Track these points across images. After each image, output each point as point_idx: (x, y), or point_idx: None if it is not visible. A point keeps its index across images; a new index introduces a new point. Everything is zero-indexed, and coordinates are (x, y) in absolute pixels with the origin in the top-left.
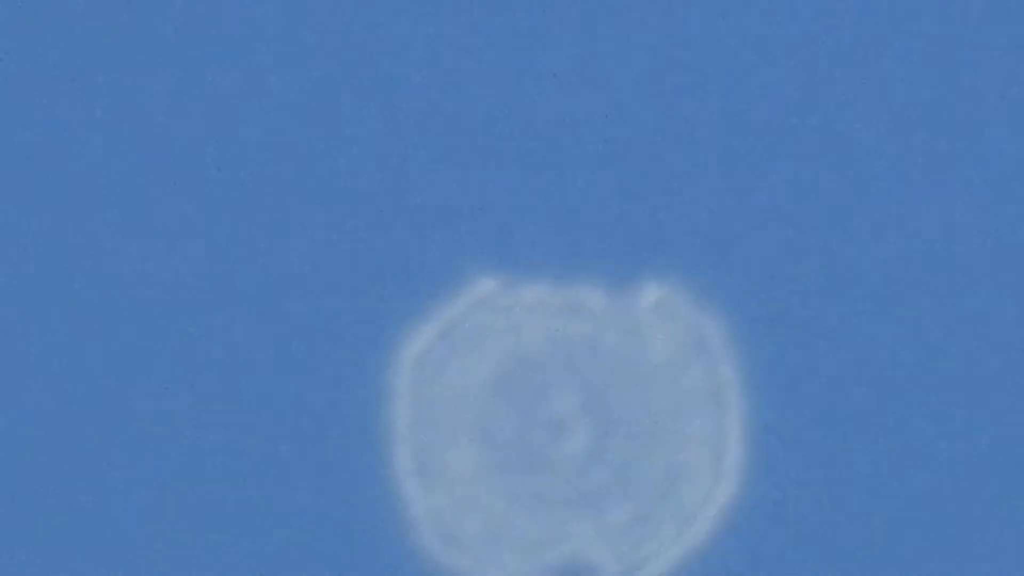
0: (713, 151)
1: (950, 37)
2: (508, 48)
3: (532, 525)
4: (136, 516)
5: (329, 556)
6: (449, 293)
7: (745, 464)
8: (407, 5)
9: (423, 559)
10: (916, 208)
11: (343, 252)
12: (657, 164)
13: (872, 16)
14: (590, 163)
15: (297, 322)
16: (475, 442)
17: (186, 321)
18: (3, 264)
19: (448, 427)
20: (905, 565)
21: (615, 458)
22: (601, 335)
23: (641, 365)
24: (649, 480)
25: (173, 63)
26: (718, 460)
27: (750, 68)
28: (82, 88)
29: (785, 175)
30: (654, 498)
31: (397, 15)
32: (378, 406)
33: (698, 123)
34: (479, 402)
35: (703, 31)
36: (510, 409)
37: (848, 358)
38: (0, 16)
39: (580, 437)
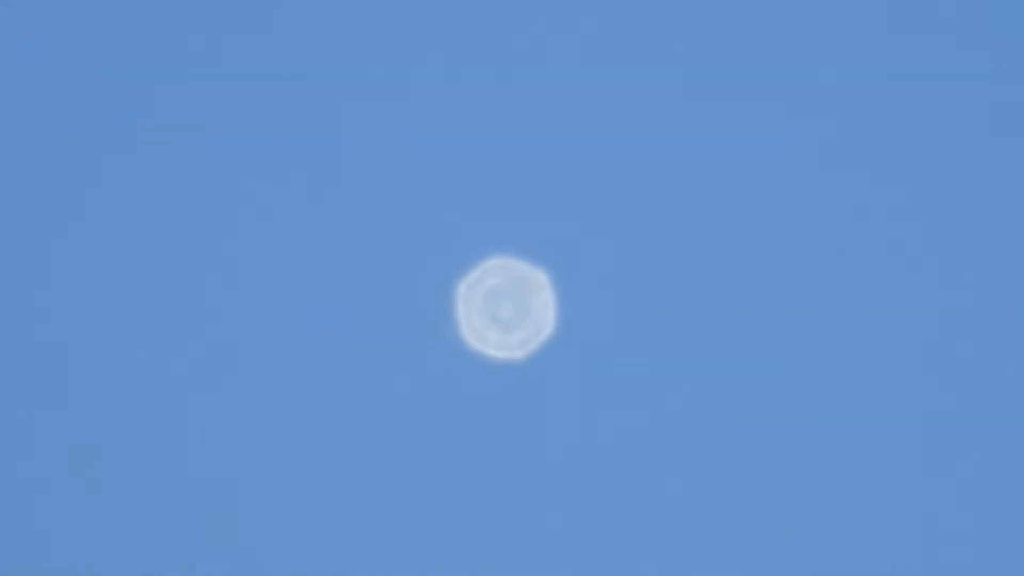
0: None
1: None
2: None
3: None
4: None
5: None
6: (477, 261)
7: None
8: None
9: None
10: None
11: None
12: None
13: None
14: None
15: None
16: (479, 314)
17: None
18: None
19: (476, 310)
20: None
21: (519, 312)
22: (523, 281)
23: (530, 287)
24: (529, 313)
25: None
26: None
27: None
28: None
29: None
30: (532, 324)
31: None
32: (449, 308)
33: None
34: (484, 302)
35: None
36: (492, 304)
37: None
38: None
39: (507, 309)
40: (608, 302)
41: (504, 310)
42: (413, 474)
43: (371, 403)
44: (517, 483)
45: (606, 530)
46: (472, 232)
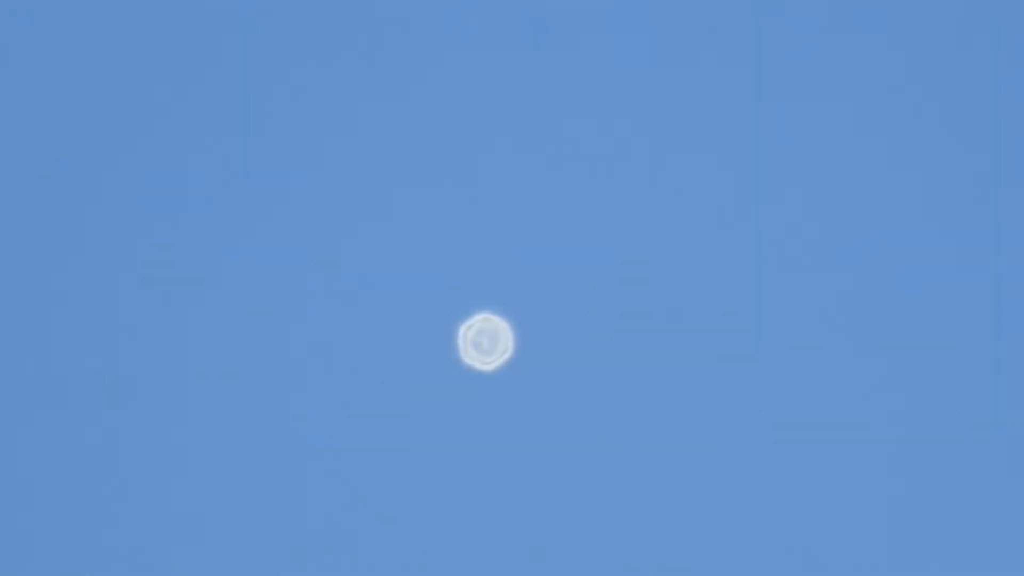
0: None
1: None
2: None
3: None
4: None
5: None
6: (471, 315)
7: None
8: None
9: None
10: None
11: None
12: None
13: None
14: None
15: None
16: (471, 344)
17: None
18: None
19: (469, 342)
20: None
21: (492, 343)
22: (498, 322)
23: (499, 327)
24: (501, 343)
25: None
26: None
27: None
28: None
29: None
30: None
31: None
32: (453, 341)
33: None
34: (474, 337)
35: None
36: (478, 339)
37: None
38: None
39: (486, 340)
40: (546, 341)
41: (484, 342)
42: (421, 441)
43: (396, 397)
44: (489, 449)
45: (550, 490)
46: (468, 298)
